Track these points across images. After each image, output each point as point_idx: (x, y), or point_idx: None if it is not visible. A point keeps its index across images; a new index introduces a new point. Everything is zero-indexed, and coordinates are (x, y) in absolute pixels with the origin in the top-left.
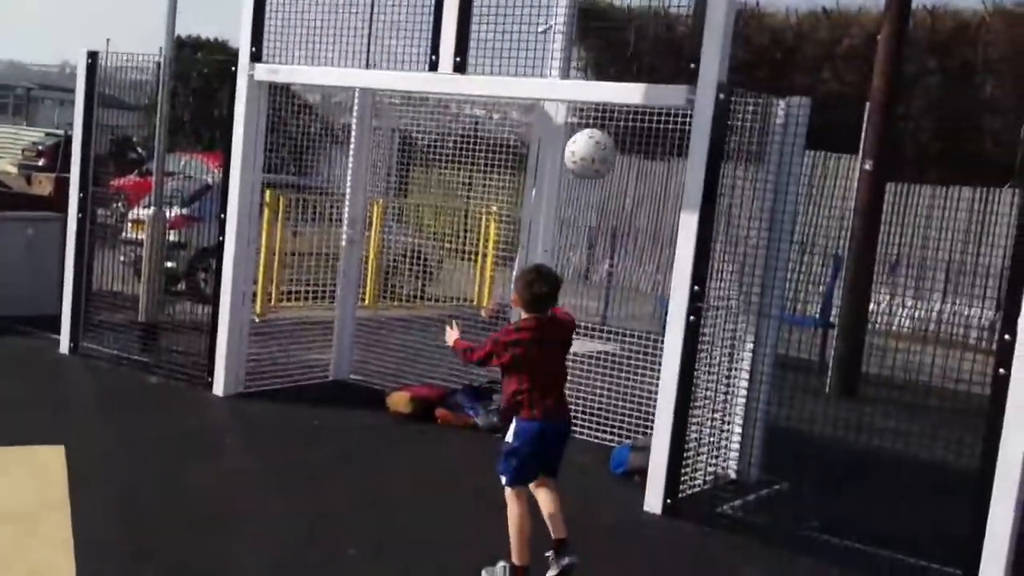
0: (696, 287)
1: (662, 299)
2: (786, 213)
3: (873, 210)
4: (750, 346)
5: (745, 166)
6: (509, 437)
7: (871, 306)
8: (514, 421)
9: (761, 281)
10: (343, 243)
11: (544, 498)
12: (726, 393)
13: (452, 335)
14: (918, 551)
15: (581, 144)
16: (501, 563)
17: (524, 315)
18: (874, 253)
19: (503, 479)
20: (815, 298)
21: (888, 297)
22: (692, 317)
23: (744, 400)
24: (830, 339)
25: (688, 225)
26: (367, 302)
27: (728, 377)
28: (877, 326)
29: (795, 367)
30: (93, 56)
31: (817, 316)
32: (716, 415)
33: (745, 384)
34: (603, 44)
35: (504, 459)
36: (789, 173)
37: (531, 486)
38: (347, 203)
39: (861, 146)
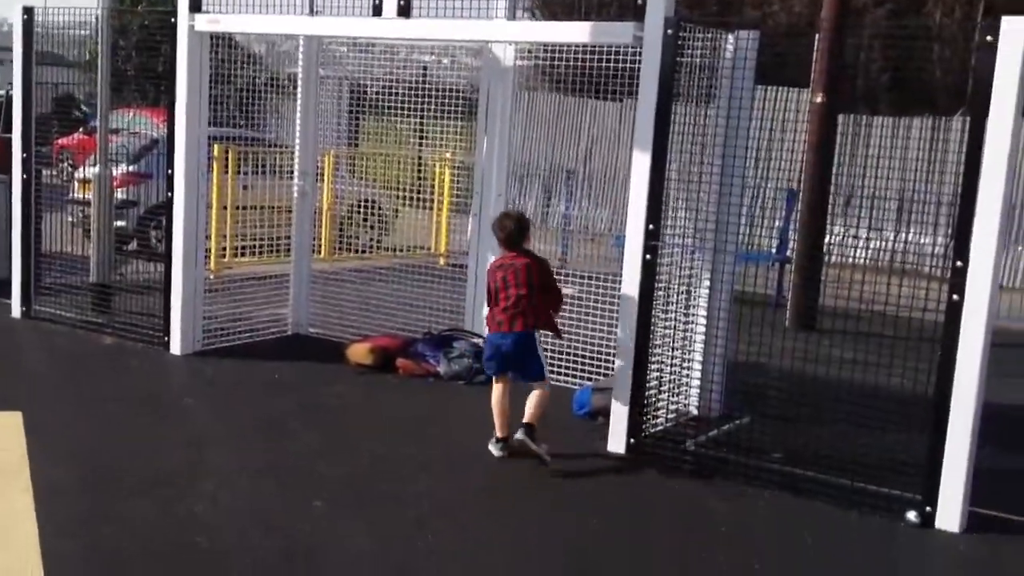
0: (650, 225)
1: (618, 238)
2: (738, 149)
3: (825, 143)
4: (707, 283)
5: (696, 102)
6: None
7: (826, 239)
8: None
9: (716, 218)
10: (295, 196)
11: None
12: (685, 331)
13: None
14: (879, 479)
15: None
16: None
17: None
18: (828, 186)
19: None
20: (771, 233)
21: (843, 230)
22: (648, 256)
23: (703, 337)
24: (787, 274)
25: (640, 164)
26: (323, 255)
27: (686, 314)
28: (833, 259)
29: (753, 303)
30: (29, 12)
31: (773, 251)
32: (676, 353)
33: (703, 321)
34: None
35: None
36: (740, 108)
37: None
38: (297, 155)
39: (811, 79)
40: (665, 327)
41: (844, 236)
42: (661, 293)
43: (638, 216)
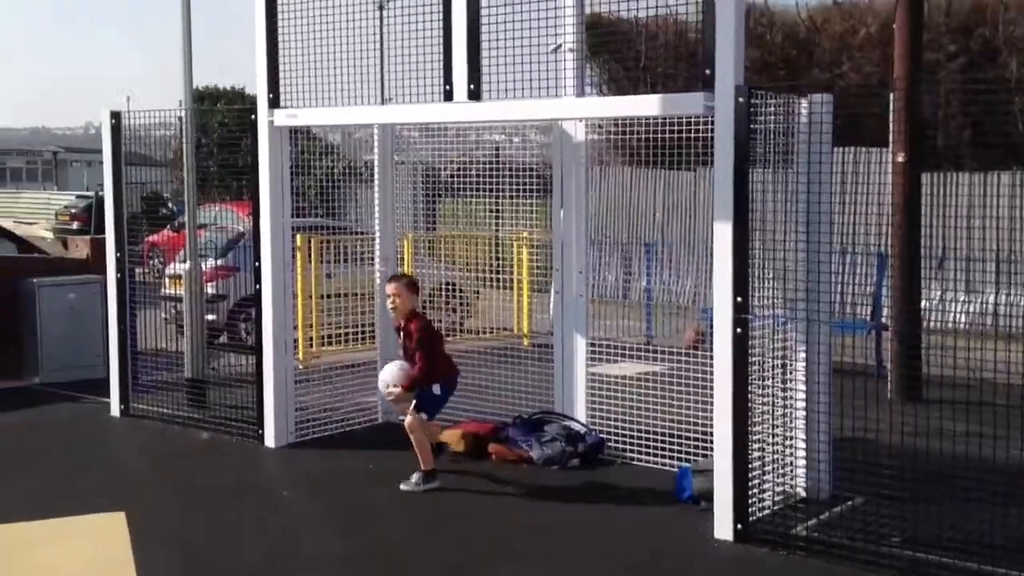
0: (738, 298)
1: (706, 312)
2: (822, 213)
3: (912, 203)
4: (803, 355)
5: (774, 168)
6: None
7: (923, 303)
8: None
9: (805, 286)
10: (377, 282)
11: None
12: (784, 406)
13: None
14: (1006, 560)
15: (388, 374)
16: (415, 474)
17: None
18: (919, 248)
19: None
20: (863, 300)
21: (939, 293)
22: (739, 329)
23: (804, 412)
24: (884, 341)
25: (723, 235)
26: None
27: (784, 389)
28: (931, 324)
29: (852, 373)
30: (116, 116)
31: (868, 319)
32: (777, 430)
33: (803, 395)
34: (615, 56)
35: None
36: (820, 172)
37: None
38: (377, 241)
39: (890, 138)
40: (763, 403)
41: (941, 300)
42: (756, 367)
43: (724, 289)
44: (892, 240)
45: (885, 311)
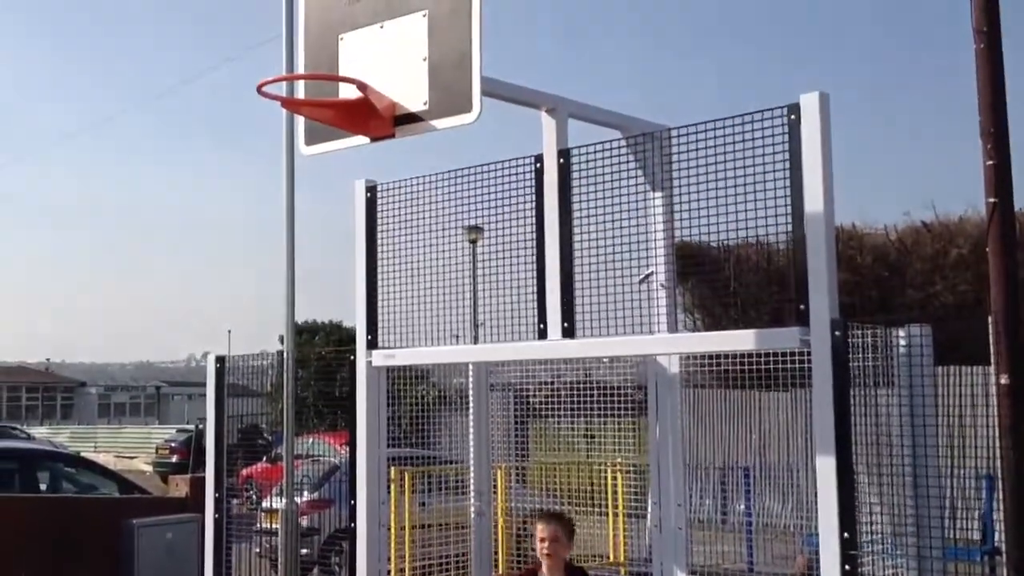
0: (846, 534)
1: (810, 537)
2: (927, 437)
3: (1018, 425)
4: None
5: (874, 390)
6: None
7: None
8: None
9: (915, 517)
10: (472, 515)
11: None
12: None
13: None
14: None
15: None
16: None
17: None
18: None
19: None
20: (973, 525)
21: None
22: (847, 566)
23: None
24: (998, 566)
25: (826, 471)
26: (500, 571)
27: None
28: None
29: None
30: (221, 360)
31: (980, 545)
32: None
33: None
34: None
35: None
36: (924, 396)
37: None
38: (472, 473)
39: (993, 360)
40: None
41: None
42: None
43: (830, 523)
44: (1001, 463)
45: (997, 535)
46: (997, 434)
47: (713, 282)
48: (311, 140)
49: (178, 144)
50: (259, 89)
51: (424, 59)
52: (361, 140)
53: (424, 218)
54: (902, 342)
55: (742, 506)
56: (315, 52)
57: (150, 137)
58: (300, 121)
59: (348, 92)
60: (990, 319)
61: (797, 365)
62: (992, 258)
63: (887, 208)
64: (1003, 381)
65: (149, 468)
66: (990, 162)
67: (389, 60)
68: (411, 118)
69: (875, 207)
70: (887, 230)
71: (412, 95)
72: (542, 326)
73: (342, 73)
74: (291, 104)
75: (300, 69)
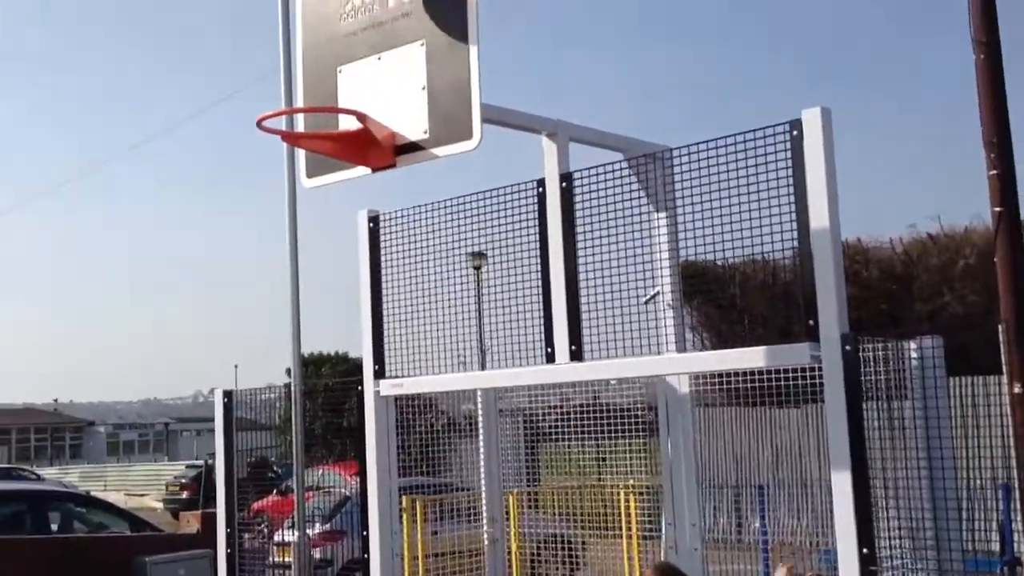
0: (865, 550)
1: (827, 553)
2: (943, 448)
3: None
4: None
5: (889, 410)
6: None
7: None
8: None
9: (933, 527)
10: (485, 542)
11: None
12: None
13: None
14: None
15: None
16: None
17: None
18: None
19: None
20: (989, 534)
21: None
22: None
23: None
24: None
25: (842, 485)
26: None
27: None
28: None
29: None
30: (228, 395)
31: (999, 556)
32: None
33: None
34: (709, 298)
35: None
36: (938, 409)
37: None
38: (484, 500)
39: (1005, 370)
40: None
41: None
42: None
43: (848, 539)
44: (1018, 472)
45: (1015, 544)
46: (1012, 443)
47: (719, 301)
48: (312, 172)
49: (181, 183)
50: (259, 124)
51: (423, 88)
52: (362, 171)
53: (428, 246)
54: (914, 354)
55: (757, 523)
56: (314, 85)
57: (152, 175)
58: (301, 154)
59: (348, 124)
60: (1000, 328)
61: (808, 381)
62: (1000, 267)
63: (891, 222)
64: (1016, 390)
65: (160, 505)
66: (993, 172)
67: (388, 90)
68: (412, 147)
69: (879, 222)
70: (892, 243)
71: (412, 124)
72: (550, 350)
73: (341, 105)
74: (291, 137)
75: (299, 102)
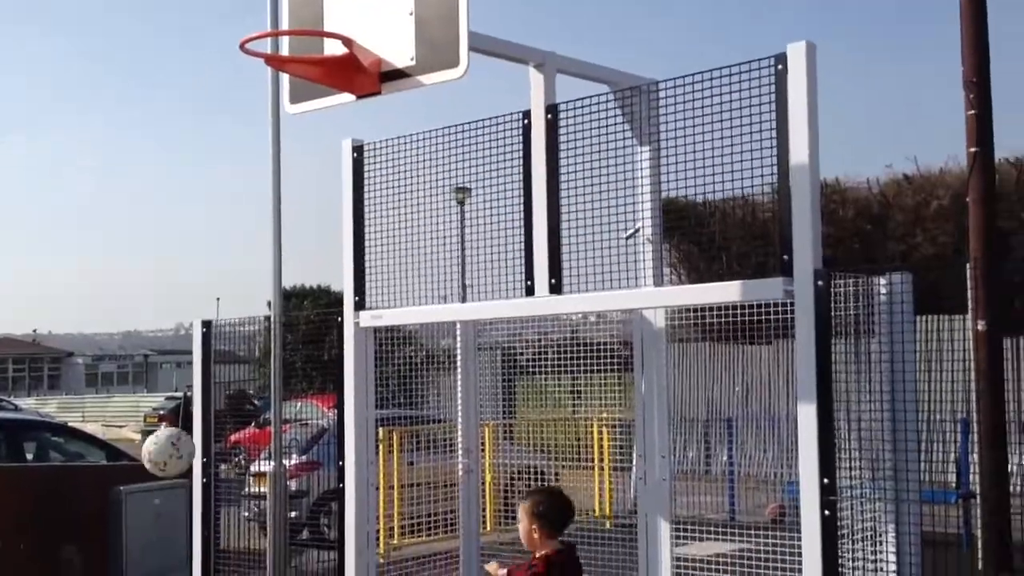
0: (826, 479)
1: (791, 484)
2: (906, 385)
3: (994, 370)
4: (892, 534)
5: (856, 344)
6: None
7: (1010, 468)
8: None
9: (893, 463)
10: (460, 472)
11: None
12: None
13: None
14: None
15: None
16: None
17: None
18: (1003, 414)
19: None
20: (947, 467)
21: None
22: (827, 511)
23: None
24: (972, 509)
25: (807, 418)
26: (488, 528)
27: (875, 563)
28: (1018, 489)
29: (938, 543)
30: (207, 324)
31: (955, 488)
32: None
33: (893, 570)
34: (688, 236)
35: None
36: (903, 344)
37: None
38: (460, 432)
39: (970, 307)
40: None
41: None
42: (845, 549)
43: (811, 471)
44: (976, 406)
45: (971, 477)
46: (973, 378)
47: (699, 238)
48: (296, 98)
49: (162, 112)
50: (242, 46)
51: (410, 14)
52: (347, 97)
53: (412, 178)
54: (883, 290)
55: (725, 456)
56: (299, 8)
57: (134, 105)
58: (285, 79)
59: (333, 48)
60: (968, 267)
61: (780, 317)
62: (972, 206)
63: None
64: (980, 328)
65: (138, 436)
66: (972, 112)
67: (375, 15)
68: (397, 74)
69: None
70: (869, 183)
71: (398, 51)
72: (529, 283)
73: (327, 29)
74: (275, 61)
75: (284, 26)
